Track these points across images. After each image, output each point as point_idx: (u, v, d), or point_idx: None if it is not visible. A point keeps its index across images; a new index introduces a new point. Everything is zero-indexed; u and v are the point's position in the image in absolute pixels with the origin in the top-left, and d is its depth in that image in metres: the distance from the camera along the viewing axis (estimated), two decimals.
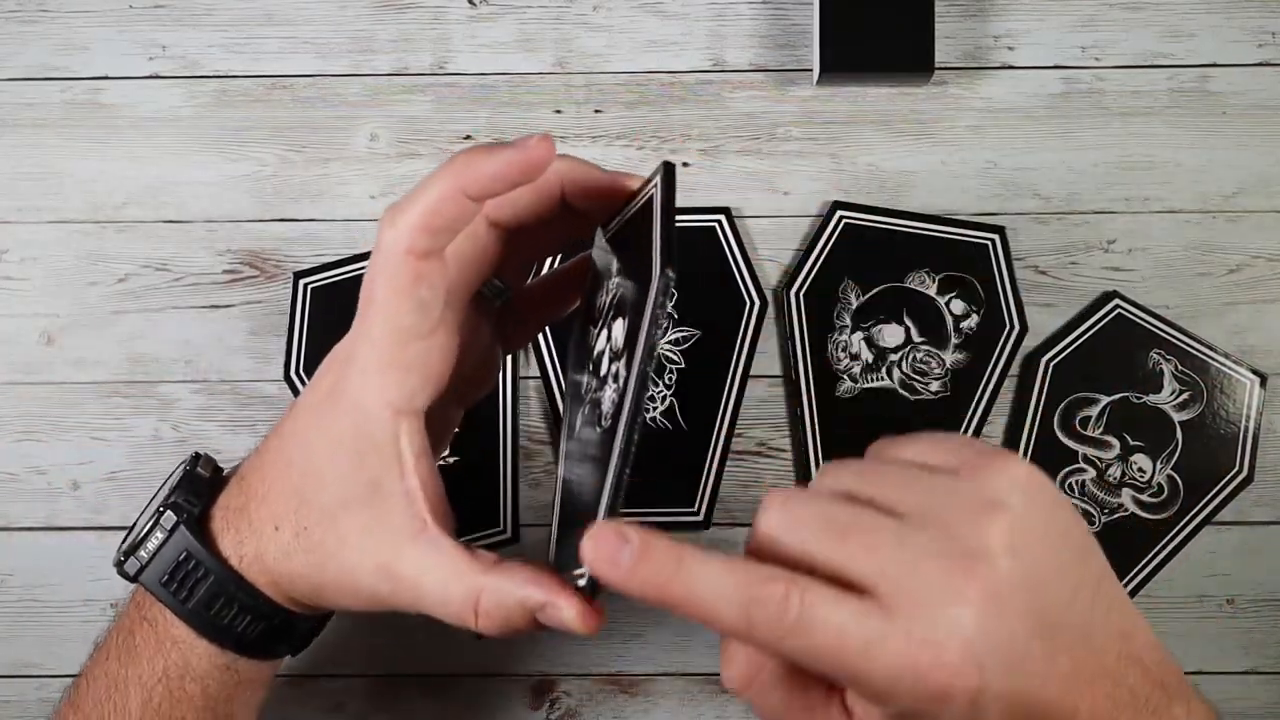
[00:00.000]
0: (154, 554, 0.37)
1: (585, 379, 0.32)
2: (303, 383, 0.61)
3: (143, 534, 0.37)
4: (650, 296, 0.27)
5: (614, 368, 0.30)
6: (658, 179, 0.29)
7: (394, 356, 0.33)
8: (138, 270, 0.63)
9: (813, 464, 0.60)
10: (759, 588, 0.26)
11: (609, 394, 0.30)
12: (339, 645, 0.61)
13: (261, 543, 0.36)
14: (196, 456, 0.40)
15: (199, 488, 0.39)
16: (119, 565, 0.38)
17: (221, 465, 0.41)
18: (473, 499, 0.60)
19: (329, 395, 0.34)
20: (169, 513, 0.37)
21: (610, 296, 0.32)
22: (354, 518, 0.33)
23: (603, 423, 0.30)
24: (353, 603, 0.35)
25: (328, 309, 0.62)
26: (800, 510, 0.29)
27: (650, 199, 0.29)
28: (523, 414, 0.62)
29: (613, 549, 0.26)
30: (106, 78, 0.64)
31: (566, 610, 0.30)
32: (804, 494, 0.29)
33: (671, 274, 0.27)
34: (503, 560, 0.32)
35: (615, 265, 0.32)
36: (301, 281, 0.62)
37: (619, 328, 0.30)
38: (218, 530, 0.37)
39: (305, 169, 0.63)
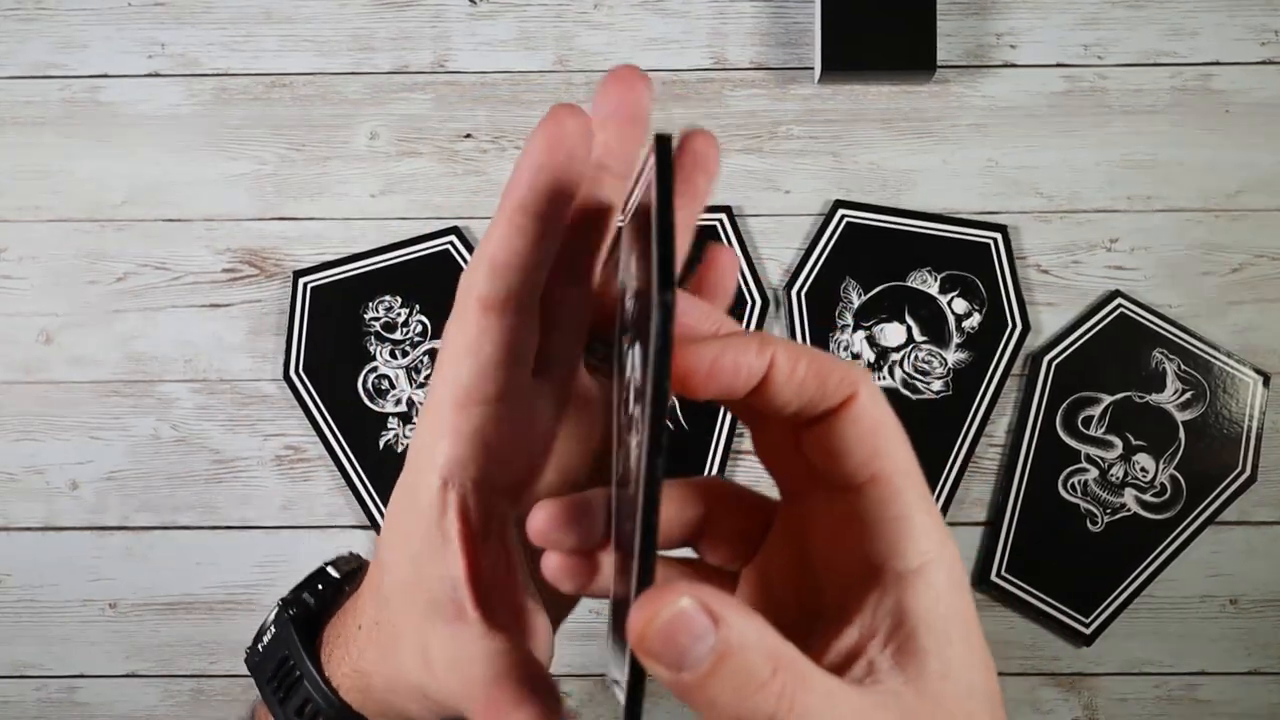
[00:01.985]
0: (265, 648, 0.35)
1: (629, 398, 0.26)
2: (302, 383, 0.61)
3: (266, 624, 0.36)
4: (651, 333, 0.21)
5: (635, 411, 0.24)
6: (651, 159, 0.23)
7: (449, 419, 0.26)
8: (137, 269, 0.63)
9: None
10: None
11: (633, 443, 0.24)
12: None
13: (349, 645, 0.32)
14: (350, 557, 0.36)
15: (324, 584, 0.36)
16: (248, 651, 0.35)
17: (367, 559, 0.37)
18: None
19: (405, 466, 0.28)
20: (282, 609, 0.35)
21: (630, 304, 0.26)
22: (404, 597, 0.28)
23: (631, 483, 0.24)
24: (413, 704, 0.30)
25: (328, 308, 0.62)
26: None
27: (647, 186, 0.23)
28: None
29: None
30: (105, 76, 0.64)
31: None
32: None
33: (671, 298, 0.21)
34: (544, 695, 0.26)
35: (634, 264, 0.26)
36: (301, 280, 0.62)
37: (637, 357, 0.24)
38: (328, 635, 0.34)
39: (305, 167, 0.63)
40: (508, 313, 0.25)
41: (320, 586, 0.36)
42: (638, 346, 0.24)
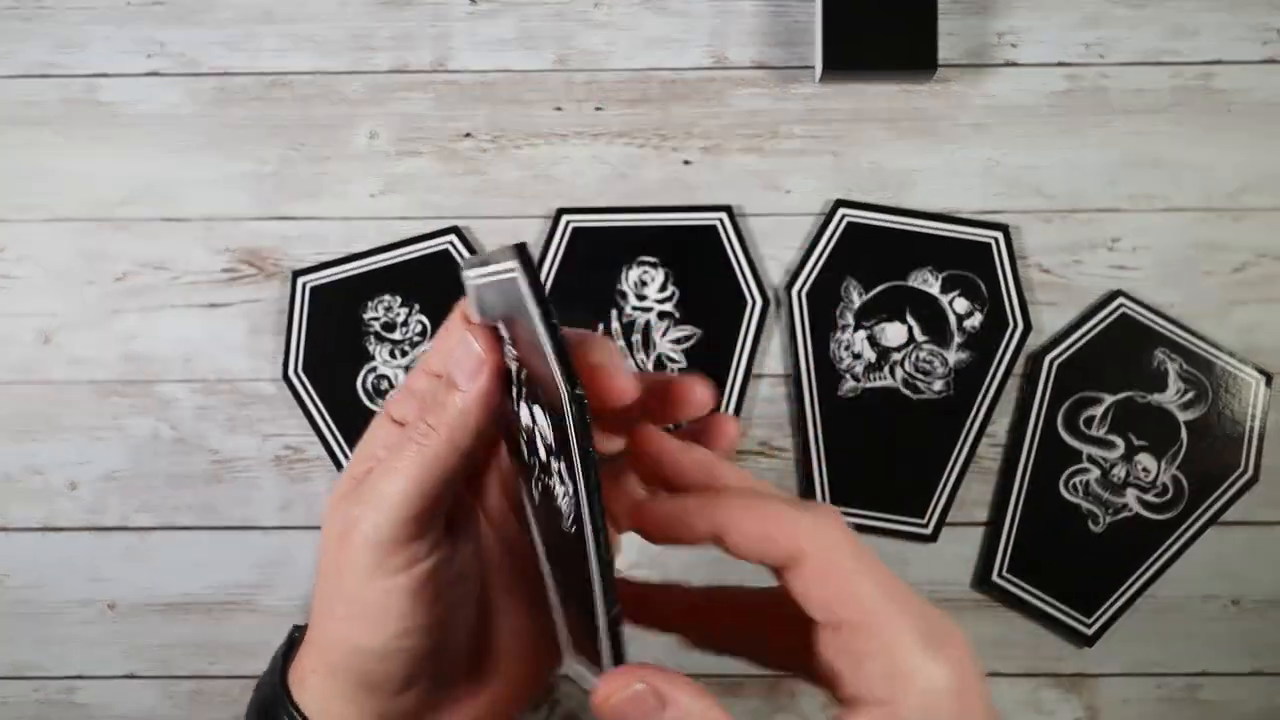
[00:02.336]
0: (259, 683, 0.36)
1: (522, 440, 0.30)
2: (302, 383, 0.61)
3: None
4: (570, 425, 0.25)
5: (555, 465, 0.28)
6: (515, 265, 0.25)
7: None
8: (136, 269, 0.63)
9: (815, 463, 0.60)
10: None
11: (560, 491, 0.28)
12: None
13: (306, 646, 0.35)
14: None
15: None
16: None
17: None
18: None
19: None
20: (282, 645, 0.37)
21: (513, 366, 0.29)
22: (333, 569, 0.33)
23: (564, 523, 0.28)
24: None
25: (327, 308, 0.62)
26: None
27: (514, 284, 0.25)
28: None
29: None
30: (104, 75, 0.64)
31: None
32: None
33: (581, 393, 0.24)
34: None
35: (505, 334, 0.29)
36: (300, 280, 0.62)
37: (543, 419, 0.27)
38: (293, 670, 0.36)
39: (304, 167, 0.63)
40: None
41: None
42: (541, 410, 0.27)
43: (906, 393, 0.61)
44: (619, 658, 0.25)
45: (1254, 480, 0.60)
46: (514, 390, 0.29)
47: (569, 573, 0.29)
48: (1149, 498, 0.60)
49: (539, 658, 0.34)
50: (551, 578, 0.32)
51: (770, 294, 0.62)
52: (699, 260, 0.62)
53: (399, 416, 0.34)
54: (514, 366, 0.28)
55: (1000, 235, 0.62)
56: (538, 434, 0.28)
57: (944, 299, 0.61)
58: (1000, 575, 0.59)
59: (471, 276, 0.29)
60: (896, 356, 0.61)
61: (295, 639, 0.38)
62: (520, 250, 0.25)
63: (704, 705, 0.24)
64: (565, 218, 0.62)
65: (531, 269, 0.24)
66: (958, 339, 0.61)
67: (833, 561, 0.26)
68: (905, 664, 0.25)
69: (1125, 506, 0.60)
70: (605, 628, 0.26)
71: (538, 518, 0.32)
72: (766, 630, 0.30)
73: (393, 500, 0.30)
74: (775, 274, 0.63)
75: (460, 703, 0.36)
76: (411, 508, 0.30)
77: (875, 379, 0.61)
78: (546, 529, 0.31)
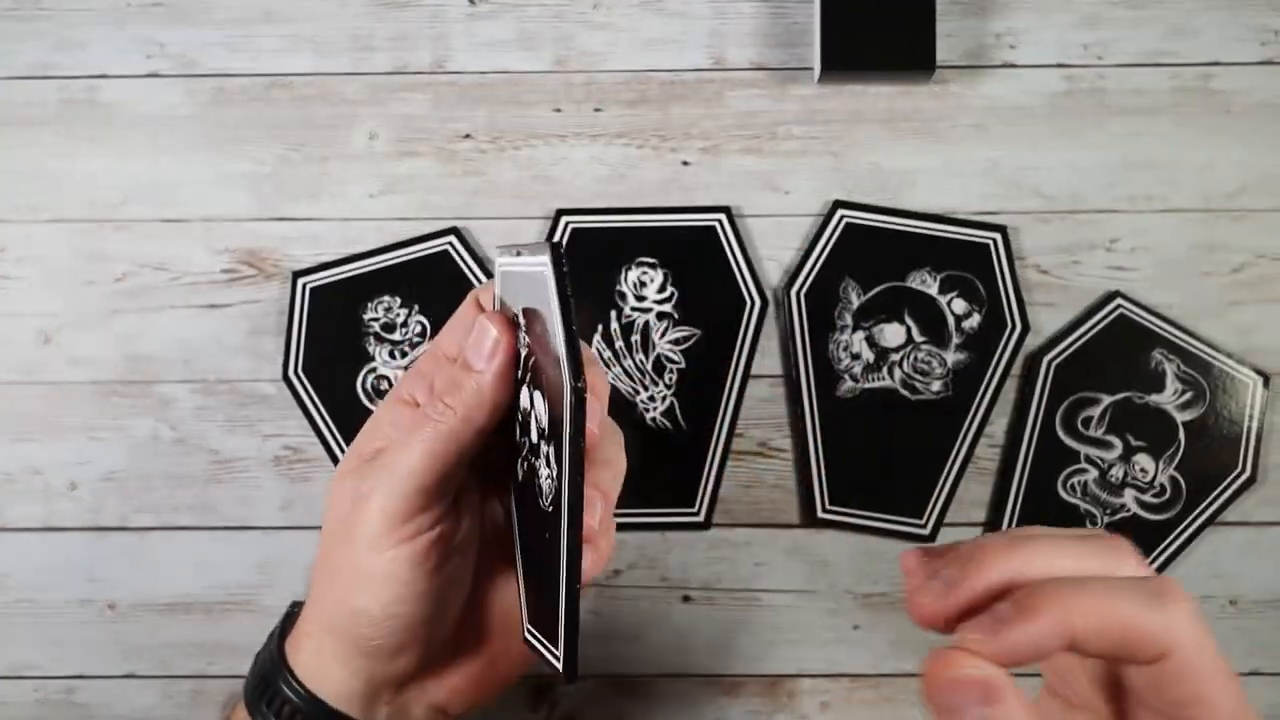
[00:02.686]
0: (258, 654, 0.38)
1: (517, 421, 0.32)
2: (302, 383, 0.61)
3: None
4: (566, 414, 0.26)
5: (544, 449, 0.29)
6: (546, 261, 0.27)
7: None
8: (135, 269, 0.63)
9: (813, 464, 0.60)
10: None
11: (545, 473, 0.30)
12: None
13: (303, 621, 0.37)
14: None
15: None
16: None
17: None
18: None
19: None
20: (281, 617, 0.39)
21: (523, 352, 0.31)
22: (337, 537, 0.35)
23: (543, 501, 0.30)
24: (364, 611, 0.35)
25: (327, 308, 0.62)
26: None
27: (542, 278, 0.27)
28: None
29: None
30: (104, 76, 0.64)
31: None
32: None
33: (582, 386, 0.26)
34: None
35: (521, 320, 0.31)
36: (300, 281, 0.62)
37: (540, 405, 0.29)
38: (289, 640, 0.38)
39: (304, 168, 0.63)
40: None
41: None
42: (541, 396, 0.28)
43: (905, 393, 0.61)
44: (572, 631, 0.27)
45: (1252, 480, 0.60)
46: (519, 374, 0.31)
47: (539, 547, 0.30)
48: (1147, 498, 0.60)
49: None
50: (520, 550, 0.34)
51: (769, 295, 0.62)
52: (698, 261, 0.62)
53: (409, 396, 0.35)
54: (524, 352, 0.30)
55: (998, 236, 0.62)
56: (534, 417, 0.29)
57: (942, 300, 0.61)
58: None
59: (504, 262, 0.31)
60: (895, 357, 0.61)
61: (293, 613, 0.39)
62: (555, 249, 0.26)
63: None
64: (564, 219, 0.62)
65: (560, 268, 0.26)
66: (956, 340, 0.61)
67: (1198, 664, 0.24)
68: None
69: (1123, 507, 0.60)
70: (564, 604, 0.27)
71: (518, 494, 0.33)
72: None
73: (407, 471, 0.31)
74: (774, 275, 0.63)
75: (447, 672, 0.37)
76: (424, 479, 0.31)
77: (874, 379, 0.61)
78: (524, 505, 0.32)
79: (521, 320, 0.30)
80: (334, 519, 0.34)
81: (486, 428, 0.32)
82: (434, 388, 0.32)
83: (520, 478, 0.32)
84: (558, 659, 0.29)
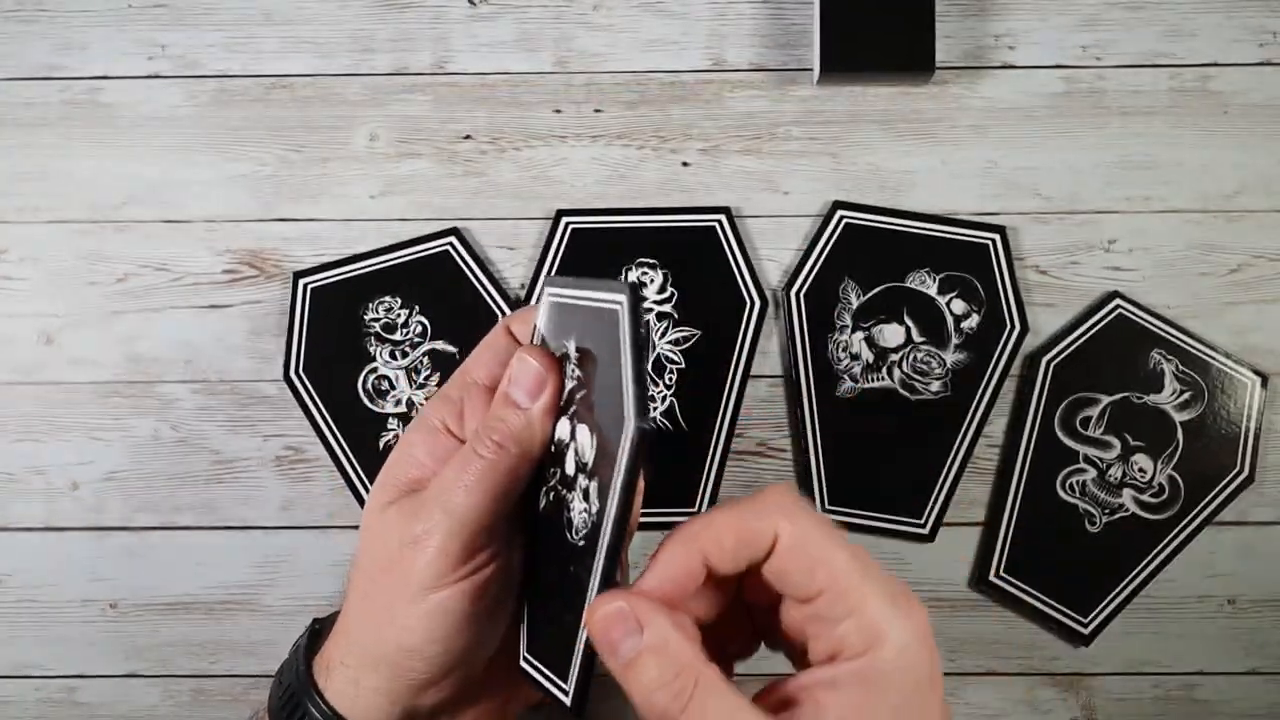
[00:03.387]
0: (281, 670, 0.38)
1: (550, 450, 0.31)
2: (302, 383, 0.61)
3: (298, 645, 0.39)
4: (624, 453, 0.26)
5: (584, 483, 0.29)
6: (622, 300, 0.27)
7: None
8: (137, 270, 0.63)
9: (813, 464, 0.60)
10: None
11: (579, 507, 0.29)
12: None
13: (336, 643, 0.37)
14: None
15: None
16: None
17: None
18: None
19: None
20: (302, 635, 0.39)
21: (571, 385, 0.30)
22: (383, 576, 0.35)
23: (571, 534, 0.29)
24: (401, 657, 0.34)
25: (328, 309, 0.62)
26: None
27: (613, 316, 0.27)
28: None
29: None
30: (106, 77, 0.64)
31: None
32: None
33: (646, 427, 0.25)
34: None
35: (573, 353, 0.30)
36: (301, 281, 0.62)
37: (586, 439, 0.29)
38: (319, 661, 0.38)
39: (304, 169, 0.63)
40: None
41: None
42: (589, 431, 0.29)
43: (904, 393, 0.61)
44: (588, 668, 0.28)
45: (1250, 480, 0.60)
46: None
47: (558, 579, 0.30)
48: (1145, 498, 0.60)
49: None
50: (527, 575, 0.34)
51: (768, 295, 0.62)
52: (698, 262, 0.62)
53: (440, 423, 0.34)
54: (569, 385, 0.29)
55: (997, 237, 0.62)
56: (572, 449, 0.29)
57: (941, 300, 0.62)
58: (997, 575, 0.60)
59: (554, 293, 0.30)
60: (894, 357, 0.61)
61: (318, 630, 0.39)
62: (633, 289, 0.27)
63: (677, 636, 0.26)
64: (564, 219, 0.62)
65: (638, 311, 0.26)
66: (955, 340, 0.61)
67: (807, 538, 0.28)
68: (878, 621, 0.27)
69: (1122, 506, 0.60)
70: (583, 639, 0.27)
71: (535, 523, 0.33)
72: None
73: (468, 512, 0.31)
74: (773, 275, 0.63)
75: (479, 698, 0.37)
76: (483, 520, 0.31)
77: (873, 380, 0.61)
78: (542, 534, 0.32)
79: (573, 354, 0.30)
80: (378, 555, 0.33)
81: (536, 463, 0.32)
82: (481, 424, 0.32)
83: (541, 507, 0.32)
84: (566, 694, 0.29)
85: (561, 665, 0.29)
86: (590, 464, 0.29)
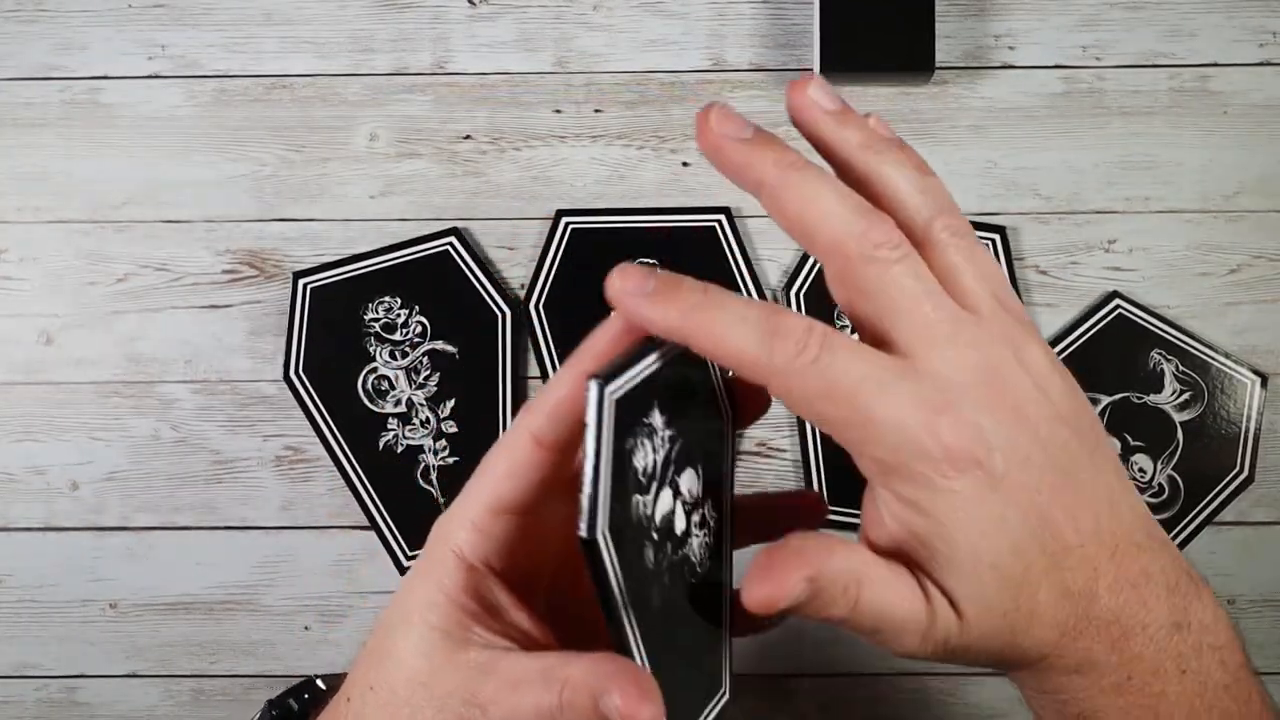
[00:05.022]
0: None
1: (649, 554, 0.29)
2: (302, 383, 0.61)
3: None
4: (728, 435, 0.29)
5: (697, 516, 0.29)
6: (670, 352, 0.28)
7: (482, 519, 0.29)
8: (137, 270, 0.63)
9: (813, 464, 0.60)
10: (783, 320, 0.26)
11: (697, 543, 0.29)
12: (342, 649, 0.61)
13: None
14: (341, 674, 0.35)
15: (310, 694, 0.38)
16: None
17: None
18: None
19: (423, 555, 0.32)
20: (265, 710, 0.38)
21: (657, 455, 0.29)
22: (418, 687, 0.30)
23: (698, 571, 0.29)
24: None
25: (327, 309, 0.62)
26: (910, 264, 0.29)
27: (673, 353, 0.28)
28: None
29: (640, 280, 0.26)
30: (106, 77, 0.64)
31: None
32: (903, 238, 0.29)
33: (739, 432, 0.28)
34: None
35: (659, 424, 0.29)
36: (301, 281, 0.62)
37: (690, 479, 0.29)
38: None
39: (304, 169, 0.63)
40: (556, 451, 0.28)
41: (306, 695, 0.36)
42: (692, 469, 0.29)
43: None
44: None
45: (1249, 480, 0.60)
46: (646, 485, 0.29)
47: (685, 624, 0.31)
48: (1145, 498, 0.60)
49: None
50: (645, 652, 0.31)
51: (769, 295, 0.62)
52: (698, 262, 0.62)
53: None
54: (663, 451, 0.28)
55: (997, 237, 0.62)
56: (679, 504, 0.29)
57: None
58: None
59: (614, 389, 0.27)
60: None
61: (317, 688, 0.37)
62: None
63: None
64: (564, 219, 0.62)
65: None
66: None
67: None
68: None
69: None
70: (728, 652, 0.31)
71: (648, 620, 0.31)
72: None
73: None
74: (773, 275, 0.63)
75: None
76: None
77: None
78: (665, 614, 0.30)
79: (659, 424, 0.29)
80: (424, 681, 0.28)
81: None
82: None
83: (656, 604, 0.30)
84: (723, 691, 0.30)
85: (711, 683, 0.29)
86: (699, 493, 0.29)
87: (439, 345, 0.61)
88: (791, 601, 0.25)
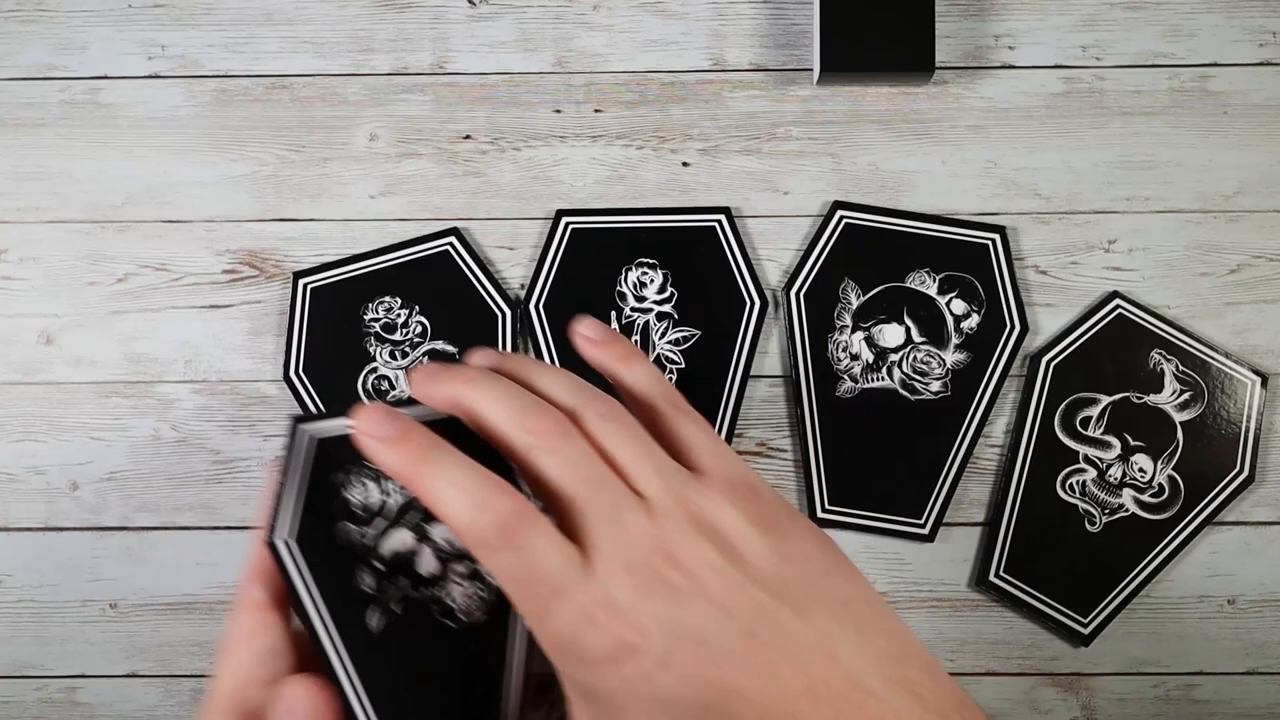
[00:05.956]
0: None
1: (365, 578, 0.32)
2: (302, 383, 0.61)
3: None
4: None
5: (462, 568, 0.31)
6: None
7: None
8: (137, 270, 0.63)
9: (813, 464, 0.60)
10: (496, 496, 0.28)
11: (459, 592, 0.31)
12: None
13: None
14: None
15: None
16: None
17: None
18: None
19: None
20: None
21: (388, 498, 0.32)
22: None
23: (457, 618, 0.31)
24: None
25: (328, 309, 0.62)
26: (571, 450, 0.30)
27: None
28: None
29: (379, 422, 0.28)
30: (106, 77, 0.64)
31: None
32: (562, 421, 0.31)
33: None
34: None
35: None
36: (301, 281, 0.62)
37: (448, 531, 0.31)
38: None
39: (304, 169, 0.63)
40: (280, 606, 0.30)
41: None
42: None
43: (904, 394, 0.61)
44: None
45: (1249, 480, 0.60)
46: (368, 517, 0.32)
47: (445, 660, 0.32)
48: (1145, 498, 0.60)
49: None
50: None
51: (769, 295, 0.62)
52: (698, 262, 0.62)
53: None
54: (400, 499, 0.32)
55: (997, 237, 0.62)
56: (429, 547, 0.31)
57: (941, 300, 0.62)
58: (998, 575, 0.60)
59: (316, 433, 0.32)
60: (894, 357, 0.61)
61: None
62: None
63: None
64: (564, 219, 0.62)
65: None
66: (955, 340, 0.61)
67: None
68: None
69: (1121, 507, 0.60)
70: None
71: (370, 646, 0.33)
72: None
73: None
74: (773, 275, 0.63)
75: None
76: None
77: (873, 380, 0.61)
78: (395, 643, 0.33)
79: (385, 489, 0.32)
80: None
81: None
82: None
83: (376, 627, 0.32)
84: None
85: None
86: (460, 545, 0.31)
87: (439, 345, 0.61)
88: None
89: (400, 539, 0.31)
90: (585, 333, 0.35)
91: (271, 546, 0.27)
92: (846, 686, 0.26)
